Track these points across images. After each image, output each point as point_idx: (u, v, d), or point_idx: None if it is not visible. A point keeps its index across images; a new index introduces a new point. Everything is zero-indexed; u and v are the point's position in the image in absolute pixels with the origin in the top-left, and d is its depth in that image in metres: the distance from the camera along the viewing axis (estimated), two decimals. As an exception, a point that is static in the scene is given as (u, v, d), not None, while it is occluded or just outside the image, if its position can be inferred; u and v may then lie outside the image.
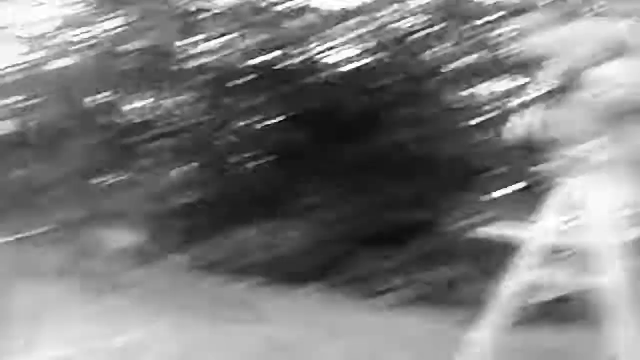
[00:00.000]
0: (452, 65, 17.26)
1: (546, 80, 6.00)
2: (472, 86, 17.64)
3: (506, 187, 17.92)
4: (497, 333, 5.88)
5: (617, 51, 5.72)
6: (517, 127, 6.26)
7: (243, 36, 16.99)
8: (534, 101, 6.35)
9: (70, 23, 17.56)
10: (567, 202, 5.92)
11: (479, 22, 17.08)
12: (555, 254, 12.29)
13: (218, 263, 15.20)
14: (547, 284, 6.29)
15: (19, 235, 14.76)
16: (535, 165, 17.17)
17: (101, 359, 8.28)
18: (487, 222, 15.27)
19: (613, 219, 5.78)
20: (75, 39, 17.84)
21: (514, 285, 6.03)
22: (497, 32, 17.02)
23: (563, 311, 13.17)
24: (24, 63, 18.97)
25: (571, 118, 5.80)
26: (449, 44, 16.84)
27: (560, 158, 5.90)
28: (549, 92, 6.01)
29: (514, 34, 17.28)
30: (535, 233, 5.99)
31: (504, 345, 6.25)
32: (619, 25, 6.21)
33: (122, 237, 13.19)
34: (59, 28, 17.71)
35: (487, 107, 17.83)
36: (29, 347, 8.14)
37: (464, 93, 17.70)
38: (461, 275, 14.57)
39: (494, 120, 17.85)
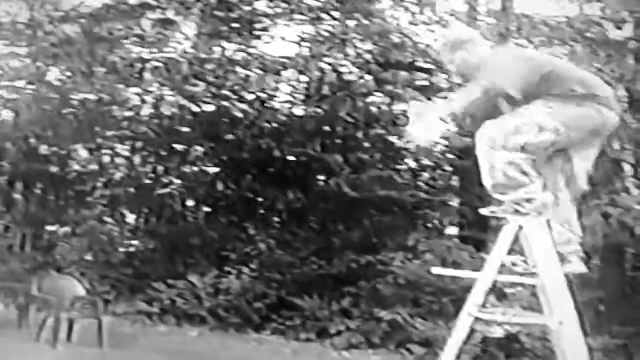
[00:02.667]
0: (390, 110, 17.66)
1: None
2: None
3: (450, 226, 18.35)
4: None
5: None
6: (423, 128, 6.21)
7: (181, 87, 17.12)
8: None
9: (14, 75, 17.56)
10: (513, 242, 6.06)
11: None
12: (504, 293, 12.62)
13: (164, 311, 15.28)
14: (497, 322, 6.40)
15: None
16: (478, 206, 17.63)
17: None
18: (430, 262, 15.65)
19: (557, 257, 5.97)
20: (19, 91, 17.88)
21: (464, 324, 6.11)
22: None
23: (513, 348, 13.54)
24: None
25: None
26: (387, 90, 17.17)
27: (505, 200, 6.04)
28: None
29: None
30: (485, 272, 6.11)
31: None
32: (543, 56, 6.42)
33: (68, 286, 13.21)
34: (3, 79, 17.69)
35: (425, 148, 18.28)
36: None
37: (403, 137, 18.12)
38: (407, 315, 14.83)
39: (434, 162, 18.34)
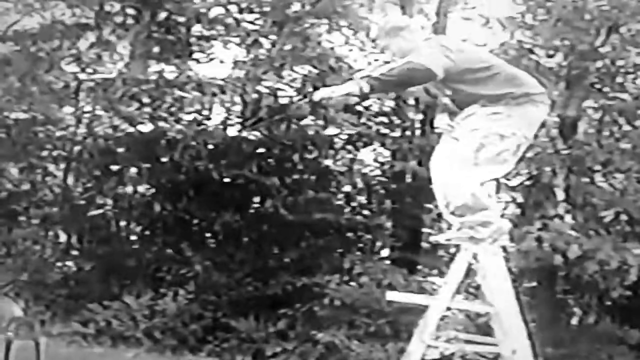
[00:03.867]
0: (329, 133, 17.83)
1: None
2: (349, 152, 18.29)
3: (383, 249, 18.49)
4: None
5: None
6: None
7: (116, 108, 17.10)
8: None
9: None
10: (466, 268, 6.10)
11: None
12: (457, 319, 12.75)
13: (100, 332, 15.20)
14: (450, 349, 6.44)
15: None
16: (411, 228, 17.90)
17: None
18: (366, 285, 15.78)
19: (511, 285, 6.05)
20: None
21: (417, 351, 6.13)
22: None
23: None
24: None
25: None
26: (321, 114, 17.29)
27: (461, 222, 6.05)
28: None
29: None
30: (439, 299, 6.15)
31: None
32: None
33: (4, 307, 13.06)
34: None
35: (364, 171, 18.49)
36: None
37: (342, 159, 18.33)
38: (344, 337, 14.93)
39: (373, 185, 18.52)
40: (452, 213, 6.25)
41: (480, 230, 6.17)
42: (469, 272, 6.33)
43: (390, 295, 7.33)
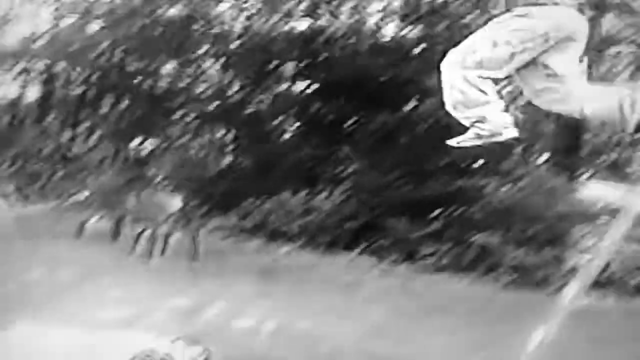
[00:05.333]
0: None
1: None
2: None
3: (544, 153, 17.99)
4: (577, 298, 5.82)
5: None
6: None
7: (274, 4, 17.00)
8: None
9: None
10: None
11: None
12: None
13: (256, 227, 15.35)
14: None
15: (61, 201, 14.88)
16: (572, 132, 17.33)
17: (158, 319, 8.42)
18: (525, 188, 15.39)
19: None
20: (104, 5, 17.89)
21: (604, 251, 5.82)
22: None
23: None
24: (54, 28, 19.06)
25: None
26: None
27: (463, 117, 5.87)
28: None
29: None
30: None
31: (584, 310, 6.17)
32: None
33: (164, 201, 13.29)
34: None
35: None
36: (88, 309, 8.28)
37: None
38: (499, 241, 14.69)
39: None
40: (454, 110, 6.03)
41: (480, 125, 5.93)
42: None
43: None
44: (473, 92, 5.84)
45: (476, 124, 5.87)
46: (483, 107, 5.83)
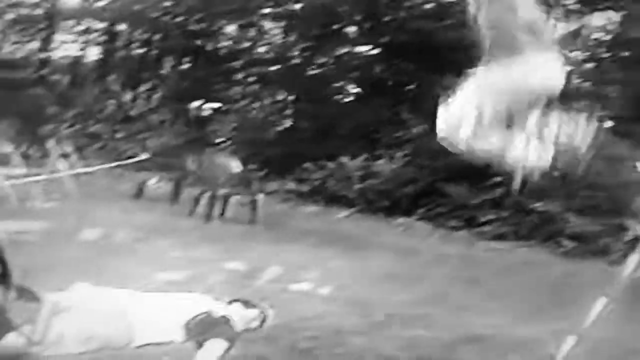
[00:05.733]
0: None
1: None
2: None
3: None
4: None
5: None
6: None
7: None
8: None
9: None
10: None
11: None
12: None
13: (314, 191, 15.33)
14: None
15: (120, 162, 14.96)
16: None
17: (216, 282, 8.45)
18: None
19: None
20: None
21: None
22: None
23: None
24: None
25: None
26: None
27: None
28: None
29: None
30: None
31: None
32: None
33: (224, 163, 13.31)
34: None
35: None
36: (145, 270, 8.31)
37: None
38: (559, 209, 14.51)
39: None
40: None
41: None
42: None
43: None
44: None
45: None
46: None
